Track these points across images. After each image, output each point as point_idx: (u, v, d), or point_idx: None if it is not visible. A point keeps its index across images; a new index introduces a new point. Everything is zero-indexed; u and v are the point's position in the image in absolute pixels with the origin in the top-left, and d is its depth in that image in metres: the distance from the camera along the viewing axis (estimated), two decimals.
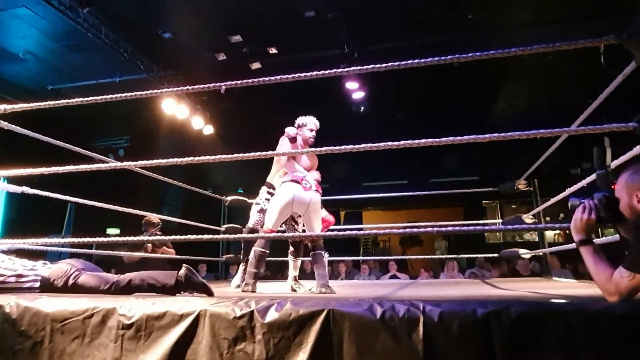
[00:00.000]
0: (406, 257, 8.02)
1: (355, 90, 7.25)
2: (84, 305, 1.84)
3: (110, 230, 10.19)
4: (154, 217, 4.69)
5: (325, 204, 4.24)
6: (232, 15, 6.09)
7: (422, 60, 1.84)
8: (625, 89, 2.42)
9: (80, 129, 8.38)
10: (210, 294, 2.24)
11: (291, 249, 3.61)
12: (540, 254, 4.90)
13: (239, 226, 5.88)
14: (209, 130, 8.56)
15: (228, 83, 2.19)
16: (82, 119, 8.40)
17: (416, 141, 1.80)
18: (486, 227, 2.21)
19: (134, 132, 9.62)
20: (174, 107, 7.70)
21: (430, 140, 1.78)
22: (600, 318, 1.38)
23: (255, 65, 6.93)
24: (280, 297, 1.83)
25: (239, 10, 5.95)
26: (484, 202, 11.29)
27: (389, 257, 7.87)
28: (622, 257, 1.58)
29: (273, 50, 6.70)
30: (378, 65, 1.93)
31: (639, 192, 1.52)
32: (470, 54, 1.79)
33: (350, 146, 1.95)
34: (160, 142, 9.20)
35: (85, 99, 2.56)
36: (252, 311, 1.65)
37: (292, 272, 3.64)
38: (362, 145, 1.91)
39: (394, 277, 7.34)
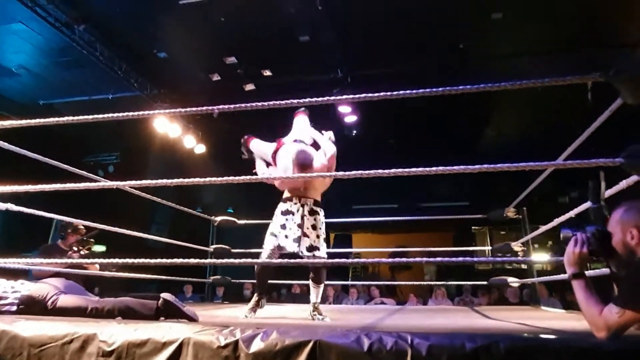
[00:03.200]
0: (395, 282, 7.98)
1: (348, 114, 7.32)
2: (64, 330, 1.79)
3: (96, 248, 10.01)
4: (77, 223, 3.83)
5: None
6: (227, 37, 6.16)
7: (414, 91, 1.87)
8: (613, 120, 2.47)
9: (70, 145, 8.30)
10: (193, 320, 2.19)
11: (312, 274, 3.23)
12: (529, 282, 4.91)
13: (227, 247, 5.82)
14: (200, 149, 8.54)
15: (221, 107, 2.20)
16: (72, 135, 8.34)
17: (407, 170, 1.81)
18: (475, 259, 2.22)
19: (125, 149, 9.57)
20: (166, 126, 7.69)
21: (420, 169, 1.79)
22: (589, 355, 1.37)
23: (249, 87, 6.98)
24: (267, 326, 1.80)
25: (234, 32, 6.02)
26: (473, 228, 11.33)
27: (378, 282, 7.82)
28: (611, 292, 1.58)
29: (267, 73, 6.76)
30: (370, 95, 1.95)
31: (633, 228, 1.53)
32: (460, 87, 1.82)
33: (340, 173, 1.96)
34: (151, 160, 9.16)
35: (76, 117, 2.55)
36: (237, 340, 1.61)
37: (312, 298, 3.22)
38: (353, 173, 1.92)
39: (381, 302, 7.27)
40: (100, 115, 2.51)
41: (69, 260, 3.51)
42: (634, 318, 1.42)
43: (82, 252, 3.84)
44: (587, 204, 1.93)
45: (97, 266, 4.12)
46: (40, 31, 5.93)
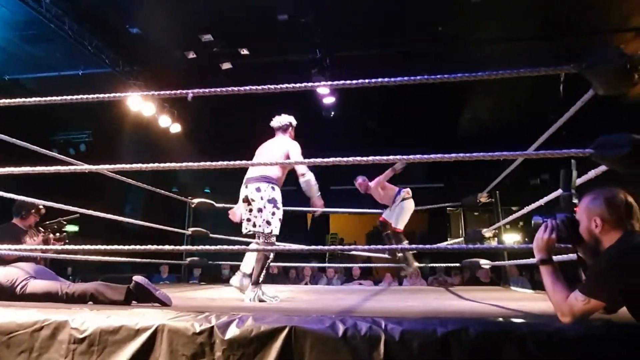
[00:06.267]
0: (371, 265, 8.10)
1: (326, 96, 7.27)
2: (34, 317, 1.75)
3: (67, 228, 9.77)
4: (38, 202, 3.51)
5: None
6: (203, 13, 5.98)
7: (392, 79, 1.86)
8: (584, 108, 2.52)
9: (39, 121, 8.01)
10: (166, 304, 2.18)
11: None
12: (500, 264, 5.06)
13: (205, 231, 5.77)
14: (176, 128, 8.37)
15: (195, 91, 2.14)
16: (40, 111, 8.03)
17: (384, 157, 1.81)
18: (449, 246, 2.28)
19: (97, 126, 9.28)
20: (140, 104, 7.47)
21: (398, 157, 1.80)
22: (554, 339, 1.43)
23: (226, 66, 6.82)
24: (243, 311, 1.80)
25: (210, 9, 5.85)
26: (448, 209, 11.54)
27: (354, 264, 7.92)
28: (577, 279, 1.64)
29: (245, 52, 6.61)
30: (348, 82, 1.93)
31: (597, 217, 1.58)
32: (439, 76, 1.82)
33: (319, 159, 1.95)
34: (125, 139, 8.92)
35: (44, 98, 2.45)
36: (212, 327, 1.62)
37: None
38: (331, 160, 1.91)
39: (359, 284, 7.39)
40: (69, 97, 2.41)
41: (50, 247, 3.37)
42: (598, 306, 1.48)
43: (57, 235, 3.70)
44: (558, 191, 1.98)
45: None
46: (4, 3, 5.62)
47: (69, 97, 2.32)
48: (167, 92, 2.21)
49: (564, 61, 1.85)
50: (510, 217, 4.21)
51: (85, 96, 2.36)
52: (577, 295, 1.50)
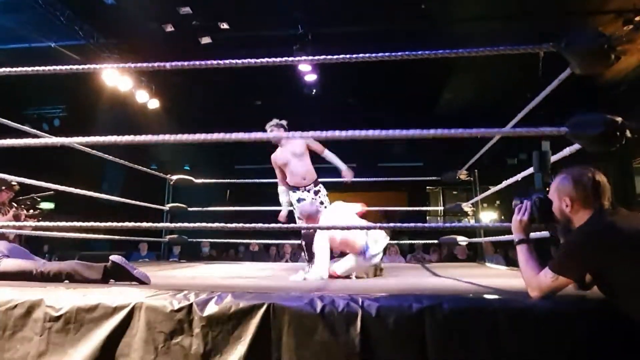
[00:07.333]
0: None
1: (308, 73, 7.19)
2: (7, 295, 1.73)
3: (43, 205, 9.55)
4: (9, 178, 3.40)
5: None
6: None
7: (374, 55, 1.84)
8: (562, 88, 2.56)
9: (11, 95, 7.71)
10: (143, 283, 2.17)
11: None
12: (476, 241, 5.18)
13: (184, 206, 5.72)
14: (154, 104, 8.17)
15: (174, 63, 2.09)
16: (12, 84, 7.73)
17: (363, 132, 1.81)
18: (427, 225, 2.33)
19: (71, 101, 9.01)
20: (116, 78, 7.26)
21: (377, 132, 1.80)
22: (524, 315, 1.47)
23: (205, 40, 6.65)
24: (222, 289, 1.81)
25: None
26: (427, 188, 11.69)
27: None
28: (550, 256, 1.69)
29: (224, 26, 6.44)
30: (329, 57, 1.91)
31: (567, 197, 1.61)
32: (419, 52, 1.81)
33: (298, 132, 1.94)
34: (100, 114, 8.68)
35: (14, 69, 2.35)
36: (191, 304, 1.62)
37: None
38: (310, 133, 1.91)
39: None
40: (41, 68, 2.33)
41: (24, 223, 3.29)
42: (566, 283, 1.53)
43: (31, 212, 3.62)
44: (531, 169, 2.02)
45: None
46: None
47: (40, 68, 2.24)
48: (144, 64, 2.14)
49: (544, 41, 1.86)
50: (486, 193, 4.30)
51: (58, 67, 2.28)
52: (547, 272, 1.54)
